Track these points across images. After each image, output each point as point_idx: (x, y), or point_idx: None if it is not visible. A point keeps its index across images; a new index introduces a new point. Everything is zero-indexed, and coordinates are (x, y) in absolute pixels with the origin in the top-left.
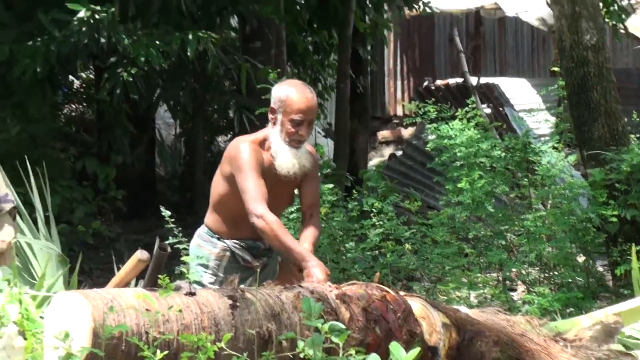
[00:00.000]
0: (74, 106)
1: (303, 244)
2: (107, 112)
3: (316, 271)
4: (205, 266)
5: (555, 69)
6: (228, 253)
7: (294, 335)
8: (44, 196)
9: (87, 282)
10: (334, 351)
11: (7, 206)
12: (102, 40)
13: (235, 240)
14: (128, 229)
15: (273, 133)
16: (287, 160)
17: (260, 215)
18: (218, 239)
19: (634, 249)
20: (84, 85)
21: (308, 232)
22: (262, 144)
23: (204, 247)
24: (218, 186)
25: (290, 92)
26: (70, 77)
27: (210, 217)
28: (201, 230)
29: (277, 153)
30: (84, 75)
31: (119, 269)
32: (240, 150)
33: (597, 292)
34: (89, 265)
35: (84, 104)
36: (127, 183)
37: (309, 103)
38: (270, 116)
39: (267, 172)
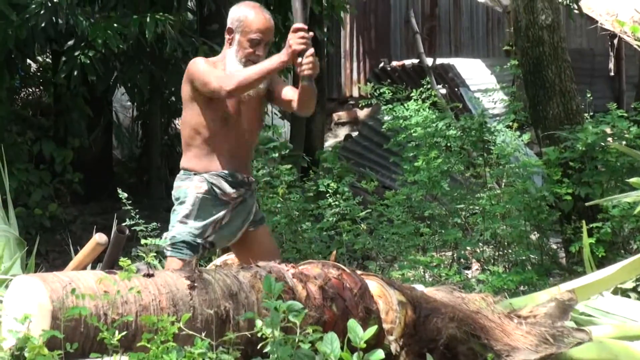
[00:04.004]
0: (31, 90)
1: None
2: (64, 96)
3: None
4: (183, 202)
5: (508, 47)
6: (205, 185)
7: (253, 316)
8: (2, 179)
9: (44, 264)
10: (291, 329)
11: None
12: (60, 22)
13: (211, 172)
14: (85, 211)
15: (229, 53)
16: None
17: (228, 86)
18: (194, 174)
19: (584, 226)
20: (41, 68)
21: None
22: (216, 65)
23: (182, 186)
24: (186, 117)
25: (249, 13)
26: (28, 61)
27: (185, 158)
28: (178, 175)
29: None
30: (41, 59)
31: (76, 251)
32: (196, 61)
33: (551, 269)
34: (45, 248)
35: (41, 88)
36: (84, 166)
37: (267, 23)
38: (227, 36)
39: None
